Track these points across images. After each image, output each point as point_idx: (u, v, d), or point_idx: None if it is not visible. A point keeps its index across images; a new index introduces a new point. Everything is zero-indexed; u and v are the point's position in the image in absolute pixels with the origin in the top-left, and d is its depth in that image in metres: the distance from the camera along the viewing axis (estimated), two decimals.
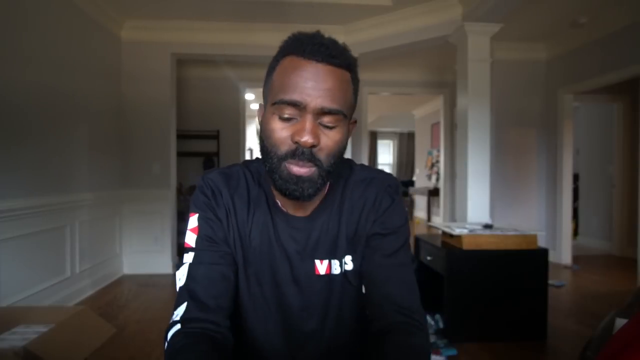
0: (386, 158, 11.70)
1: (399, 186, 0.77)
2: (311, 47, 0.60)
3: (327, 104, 0.59)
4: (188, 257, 0.67)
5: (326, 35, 0.65)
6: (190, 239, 0.68)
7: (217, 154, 5.08)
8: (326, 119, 0.61)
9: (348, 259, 0.73)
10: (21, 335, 1.75)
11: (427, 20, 3.54)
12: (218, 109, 5.11)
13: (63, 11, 2.91)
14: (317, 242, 0.72)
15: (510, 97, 4.40)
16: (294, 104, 0.59)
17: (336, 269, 0.72)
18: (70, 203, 2.95)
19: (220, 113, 5.12)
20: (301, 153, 0.60)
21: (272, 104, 0.62)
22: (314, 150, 0.61)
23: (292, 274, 0.71)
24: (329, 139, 0.62)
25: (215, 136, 5.08)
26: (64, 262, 2.91)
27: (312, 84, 0.59)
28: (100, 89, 3.49)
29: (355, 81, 0.66)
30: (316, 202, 0.72)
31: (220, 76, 5.07)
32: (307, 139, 0.59)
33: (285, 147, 0.61)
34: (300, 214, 0.71)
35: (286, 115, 0.61)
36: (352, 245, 0.73)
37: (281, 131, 0.61)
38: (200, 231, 0.68)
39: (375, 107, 7.33)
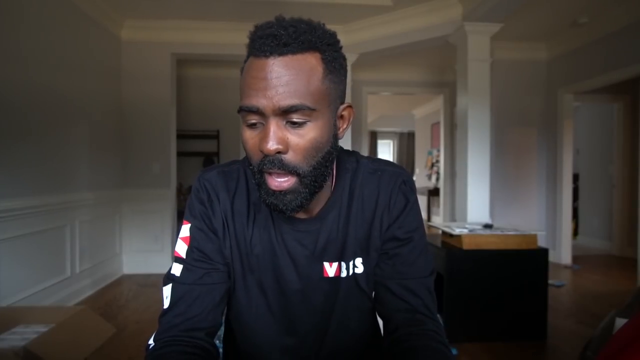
0: (386, 158, 11.70)
1: (413, 181, 0.71)
2: (259, 41, 0.55)
3: (286, 101, 0.52)
4: (176, 269, 0.64)
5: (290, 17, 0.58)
6: (181, 248, 0.65)
7: (217, 154, 5.08)
8: (293, 118, 0.54)
9: (358, 261, 0.68)
10: (21, 335, 1.75)
11: (427, 20, 3.54)
12: (218, 109, 5.11)
13: (63, 11, 2.91)
14: (326, 244, 0.66)
15: (510, 97, 4.40)
16: (252, 110, 0.54)
17: (344, 272, 0.67)
18: (70, 203, 2.95)
19: (220, 113, 5.12)
20: (269, 162, 0.55)
21: (238, 112, 0.57)
22: (283, 157, 0.55)
23: (299, 280, 0.67)
24: (300, 139, 0.55)
25: (215, 136, 5.08)
26: (64, 262, 2.91)
27: (264, 83, 0.53)
28: (100, 89, 3.49)
29: (328, 60, 0.57)
30: (322, 200, 0.66)
31: (220, 76, 5.07)
32: (269, 145, 0.53)
33: (256, 158, 0.57)
34: (305, 215, 0.66)
35: (251, 122, 0.56)
36: (363, 248, 0.68)
37: (251, 141, 0.57)
38: (192, 242, 0.64)
39: (375, 107, 7.33)
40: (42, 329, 1.84)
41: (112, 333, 2.39)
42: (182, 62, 4.50)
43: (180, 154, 4.43)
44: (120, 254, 3.86)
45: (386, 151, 11.73)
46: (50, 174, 2.75)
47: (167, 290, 0.63)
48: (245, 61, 0.59)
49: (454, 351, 2.22)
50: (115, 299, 3.15)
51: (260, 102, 0.53)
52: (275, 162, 0.55)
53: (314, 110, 0.54)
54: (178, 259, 0.65)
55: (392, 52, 4.03)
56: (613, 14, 3.48)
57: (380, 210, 0.67)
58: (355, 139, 5.16)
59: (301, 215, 0.66)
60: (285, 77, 0.53)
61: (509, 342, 2.33)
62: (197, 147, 5.03)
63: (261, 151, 0.55)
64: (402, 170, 0.71)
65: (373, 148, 11.08)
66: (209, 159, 5.08)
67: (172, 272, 0.64)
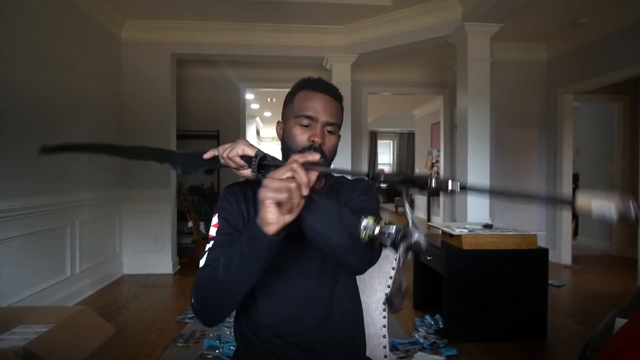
0: (386, 158, 11.70)
1: (373, 184, 1.00)
2: (319, 85, 0.93)
3: (331, 119, 0.91)
4: (209, 245, 0.86)
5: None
6: (213, 232, 0.89)
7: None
8: (329, 128, 0.91)
9: None
10: (21, 335, 1.74)
11: (427, 20, 3.54)
12: (218, 109, 5.11)
13: (63, 11, 2.91)
14: None
15: (510, 97, 4.40)
16: (311, 118, 0.90)
17: None
18: (70, 203, 2.95)
19: (220, 113, 5.12)
20: (314, 148, 0.87)
21: (295, 117, 0.90)
22: (322, 147, 0.89)
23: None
24: (329, 141, 0.92)
25: (215, 136, 5.08)
26: (64, 262, 2.91)
27: (322, 106, 0.90)
28: (100, 88, 3.49)
29: (341, 108, 0.96)
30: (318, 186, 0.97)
31: (220, 76, 5.07)
32: (318, 139, 0.88)
33: (303, 145, 0.89)
34: None
35: (305, 124, 0.90)
36: None
37: (301, 135, 0.90)
38: (220, 226, 0.89)
39: (375, 107, 7.33)
40: (42, 329, 1.84)
41: (112, 333, 2.38)
42: (182, 62, 4.49)
43: None
44: (120, 254, 3.86)
45: (386, 151, 11.72)
46: (50, 174, 2.75)
47: (203, 258, 0.83)
48: (296, 92, 0.95)
49: (454, 351, 2.22)
50: (115, 299, 3.15)
51: (317, 114, 0.90)
52: (318, 149, 0.87)
53: (339, 128, 0.94)
54: (210, 239, 0.87)
55: (392, 52, 4.03)
56: (613, 14, 3.49)
57: (348, 195, 0.96)
58: (355, 139, 5.15)
59: None
60: (332, 107, 0.92)
61: (509, 342, 2.33)
62: (197, 147, 4.96)
63: (312, 141, 0.88)
64: (364, 179, 0.98)
65: (373, 148, 11.07)
66: None
67: (205, 249, 0.85)
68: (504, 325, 2.36)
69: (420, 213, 8.80)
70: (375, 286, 1.15)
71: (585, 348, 1.29)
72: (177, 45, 3.93)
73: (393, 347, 2.26)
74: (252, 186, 0.94)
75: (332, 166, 0.93)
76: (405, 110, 8.66)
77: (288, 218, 0.64)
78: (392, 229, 0.58)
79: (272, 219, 0.63)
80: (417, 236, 0.55)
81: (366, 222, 0.60)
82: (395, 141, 11.49)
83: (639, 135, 4.18)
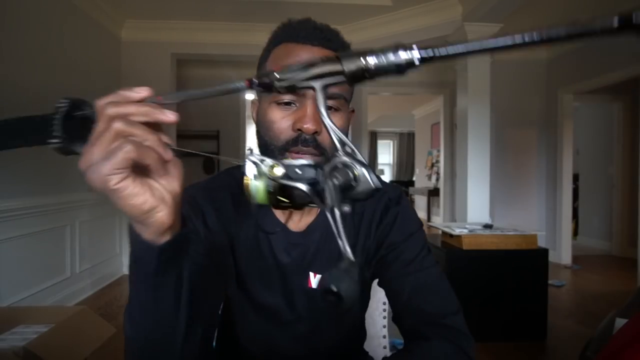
0: (386, 158, 11.70)
1: (402, 194, 0.73)
2: (305, 31, 0.60)
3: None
4: None
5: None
6: None
7: (217, 154, 5.08)
8: (330, 102, 0.56)
9: None
10: (21, 335, 1.74)
11: (427, 20, 3.54)
12: (218, 109, 5.11)
13: (63, 11, 2.91)
14: (314, 256, 0.68)
15: (510, 97, 4.40)
16: None
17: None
18: (70, 203, 2.95)
19: (220, 113, 5.12)
20: (304, 140, 0.55)
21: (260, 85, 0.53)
22: (317, 137, 0.56)
23: (283, 286, 0.68)
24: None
25: (215, 136, 5.08)
26: (64, 262, 2.91)
27: None
28: (100, 88, 3.47)
29: None
30: (313, 214, 0.68)
31: (220, 76, 5.07)
32: (309, 125, 0.54)
33: (286, 137, 0.56)
34: (295, 227, 0.68)
35: (285, 100, 0.56)
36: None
37: (281, 121, 0.57)
38: None
39: (375, 107, 7.33)
40: (42, 329, 1.84)
41: (112, 333, 2.39)
42: (182, 62, 4.49)
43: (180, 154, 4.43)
44: (120, 254, 3.86)
45: (386, 151, 11.73)
46: (50, 174, 2.75)
47: None
48: (271, 49, 0.61)
49: None
50: (115, 299, 3.15)
51: None
52: (311, 142, 0.56)
53: (344, 100, 0.59)
54: None
55: None
56: (613, 14, 3.48)
57: (366, 223, 0.69)
58: (355, 139, 5.15)
59: (293, 227, 0.67)
60: None
61: (508, 342, 2.33)
62: (197, 147, 5.02)
63: (298, 130, 0.55)
64: (390, 188, 0.72)
65: (373, 148, 11.08)
66: (209, 159, 5.09)
67: None
68: (504, 325, 2.36)
69: (421, 213, 8.80)
70: (376, 286, 1.15)
71: (585, 348, 1.29)
72: (177, 45, 3.93)
73: (393, 347, 2.26)
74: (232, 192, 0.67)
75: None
76: (405, 110, 8.66)
77: (175, 185, 0.38)
78: (305, 162, 0.34)
79: (148, 202, 0.36)
80: (359, 170, 0.32)
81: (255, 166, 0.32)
82: (395, 141, 11.49)
83: (639, 136, 4.18)
